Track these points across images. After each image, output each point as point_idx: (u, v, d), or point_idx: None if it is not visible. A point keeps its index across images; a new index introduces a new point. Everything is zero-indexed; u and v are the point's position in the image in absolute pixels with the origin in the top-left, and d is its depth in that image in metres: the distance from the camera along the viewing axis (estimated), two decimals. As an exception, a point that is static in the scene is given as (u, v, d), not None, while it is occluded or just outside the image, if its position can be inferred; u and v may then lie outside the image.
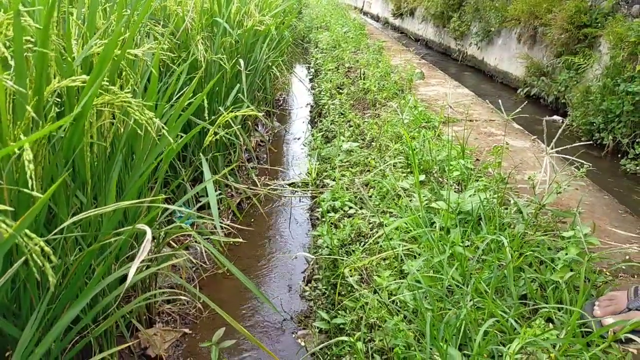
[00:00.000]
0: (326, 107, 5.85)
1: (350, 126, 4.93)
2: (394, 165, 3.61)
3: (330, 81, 6.65)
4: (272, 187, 4.55)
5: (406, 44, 12.41)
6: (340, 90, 6.16)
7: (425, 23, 14.17)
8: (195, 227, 3.42)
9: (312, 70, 8.70)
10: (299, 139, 6.12)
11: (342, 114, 5.42)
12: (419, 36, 14.55)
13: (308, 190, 4.47)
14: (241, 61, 4.38)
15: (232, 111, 3.56)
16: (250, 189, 4.24)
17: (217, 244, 3.46)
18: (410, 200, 2.92)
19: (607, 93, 5.70)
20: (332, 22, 12.27)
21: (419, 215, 2.62)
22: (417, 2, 15.10)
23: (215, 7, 4.46)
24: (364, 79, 6.19)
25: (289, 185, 4.73)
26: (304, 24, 13.17)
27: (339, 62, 7.73)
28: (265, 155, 5.46)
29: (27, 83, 1.71)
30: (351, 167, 3.91)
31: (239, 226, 3.84)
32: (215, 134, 3.38)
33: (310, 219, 4.16)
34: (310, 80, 8.60)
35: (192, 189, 3.56)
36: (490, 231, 2.43)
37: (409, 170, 3.52)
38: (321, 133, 5.10)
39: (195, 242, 3.33)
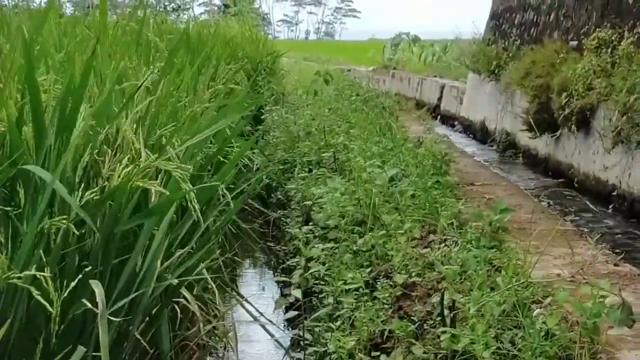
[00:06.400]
0: None
1: None
2: None
3: (352, 325, 2.97)
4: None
5: (567, 205, 6.19)
6: (385, 353, 2.78)
7: (625, 150, 6.34)
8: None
9: (296, 289, 3.54)
10: None
11: None
12: (605, 185, 6.70)
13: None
14: (97, 289, 1.94)
15: None
16: None
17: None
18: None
19: None
20: (355, 149, 5.48)
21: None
22: (596, 94, 6.99)
23: (24, 133, 2.07)
24: (454, 325, 2.67)
25: None
26: (273, 149, 6.72)
27: (377, 270, 3.49)
28: None
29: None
30: None
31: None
32: None
33: None
34: (289, 322, 3.87)
35: None
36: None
37: None
38: None
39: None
